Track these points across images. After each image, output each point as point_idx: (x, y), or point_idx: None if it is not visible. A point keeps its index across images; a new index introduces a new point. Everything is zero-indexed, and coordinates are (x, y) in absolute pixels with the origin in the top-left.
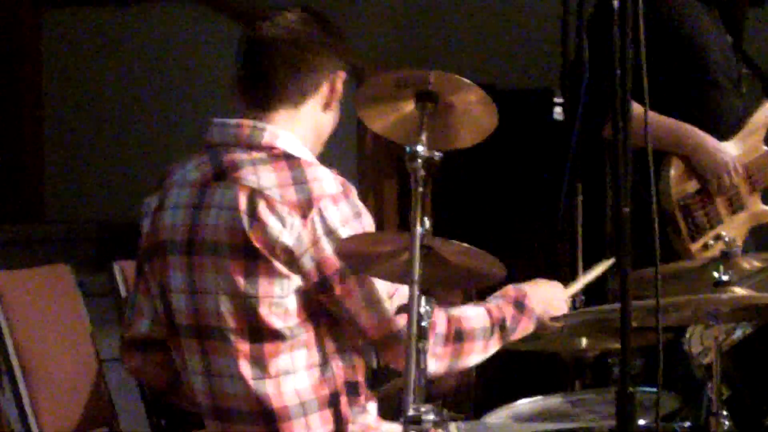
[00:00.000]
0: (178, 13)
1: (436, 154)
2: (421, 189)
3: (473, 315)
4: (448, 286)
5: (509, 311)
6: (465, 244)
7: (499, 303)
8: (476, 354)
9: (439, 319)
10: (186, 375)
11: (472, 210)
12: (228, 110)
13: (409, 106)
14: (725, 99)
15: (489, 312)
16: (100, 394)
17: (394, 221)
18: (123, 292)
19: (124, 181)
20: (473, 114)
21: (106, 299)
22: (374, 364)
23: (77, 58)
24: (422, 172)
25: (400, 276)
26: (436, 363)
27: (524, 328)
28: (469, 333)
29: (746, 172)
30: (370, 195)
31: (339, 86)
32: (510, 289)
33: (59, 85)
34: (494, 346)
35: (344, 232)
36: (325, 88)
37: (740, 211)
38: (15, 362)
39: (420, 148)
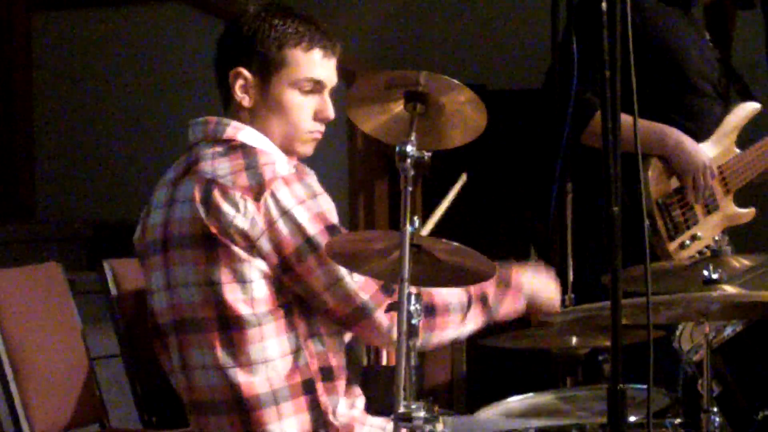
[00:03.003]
0: (168, 15)
1: (426, 153)
2: (410, 188)
3: (447, 290)
4: (438, 284)
5: (491, 287)
6: (455, 243)
7: None
8: (452, 328)
9: None
10: (171, 375)
11: (461, 209)
12: (218, 110)
13: (399, 107)
14: (705, 102)
15: (466, 287)
16: (90, 391)
17: (385, 220)
18: (113, 291)
19: (115, 181)
20: (463, 114)
21: (97, 297)
22: (364, 362)
23: (68, 60)
24: (412, 172)
25: (391, 274)
26: None
27: (511, 304)
28: (441, 306)
29: (720, 173)
30: (361, 194)
31: (243, 83)
32: None
33: (50, 87)
34: (475, 321)
35: (299, 212)
36: (234, 88)
37: (714, 212)
38: (5, 360)
39: (410, 148)
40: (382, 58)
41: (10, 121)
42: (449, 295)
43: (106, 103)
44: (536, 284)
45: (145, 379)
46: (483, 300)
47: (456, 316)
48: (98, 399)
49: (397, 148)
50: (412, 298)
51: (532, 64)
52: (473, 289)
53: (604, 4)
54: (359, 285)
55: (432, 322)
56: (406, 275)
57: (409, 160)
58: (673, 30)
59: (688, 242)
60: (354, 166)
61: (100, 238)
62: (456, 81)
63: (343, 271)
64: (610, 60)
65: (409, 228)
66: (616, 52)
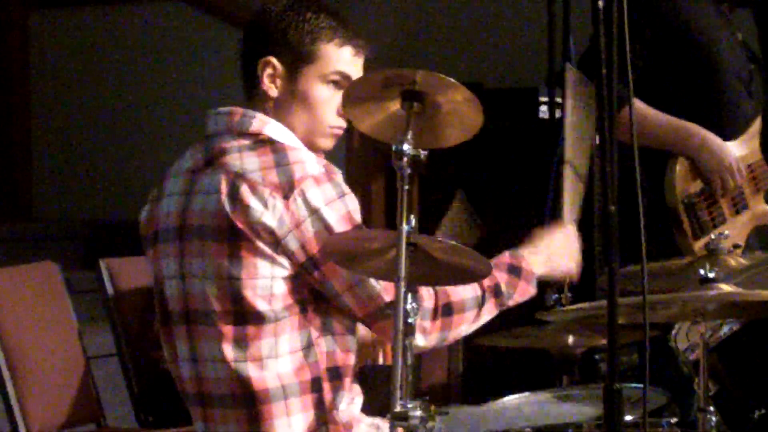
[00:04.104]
0: (165, 13)
1: (423, 152)
2: (407, 187)
3: (462, 286)
4: (435, 283)
5: (503, 277)
6: (451, 242)
7: (492, 269)
8: (467, 324)
9: (425, 292)
10: (174, 364)
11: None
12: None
13: (396, 106)
14: (735, 99)
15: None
16: (87, 390)
17: (382, 219)
18: (110, 290)
19: (112, 180)
20: (459, 113)
21: (94, 296)
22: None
23: (65, 58)
24: (408, 171)
25: (387, 273)
26: (424, 338)
27: (523, 291)
28: (458, 304)
29: (751, 172)
30: (358, 193)
31: (271, 72)
32: (505, 255)
33: (47, 85)
34: (489, 313)
35: (328, 212)
36: (263, 77)
37: (743, 212)
38: (2, 359)
39: (406, 147)
40: (379, 57)
41: (8, 119)
42: (464, 292)
43: (103, 102)
44: (549, 262)
45: (142, 378)
46: (496, 292)
47: (472, 312)
48: (94, 398)
49: (394, 147)
50: (409, 296)
51: (529, 63)
52: (486, 281)
53: (600, 3)
54: (383, 287)
55: (449, 320)
56: (403, 274)
57: (405, 159)
58: (705, 23)
59: None
60: (350, 164)
61: (97, 237)
62: (452, 79)
63: None
64: (607, 58)
65: (405, 227)
66: (613, 51)
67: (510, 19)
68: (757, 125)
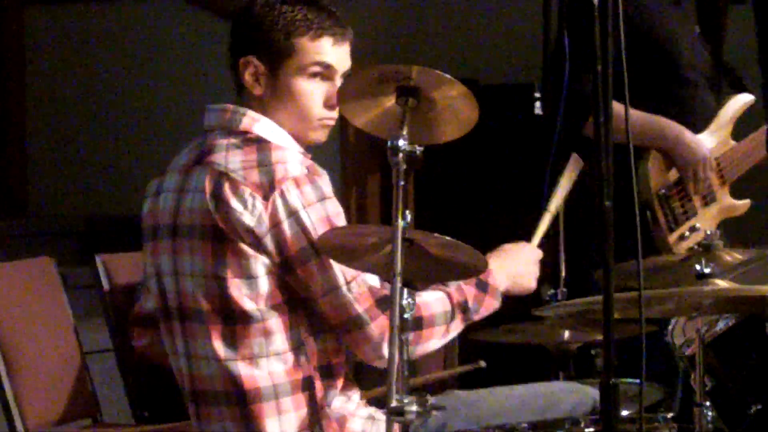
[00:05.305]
0: (160, 10)
1: (418, 148)
2: (402, 183)
3: (432, 300)
4: (431, 278)
5: (471, 292)
6: (447, 237)
7: (460, 284)
8: (436, 339)
9: None
10: (174, 358)
11: (453, 203)
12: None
13: (391, 101)
14: (697, 95)
15: (449, 296)
16: (83, 385)
17: (377, 215)
18: (106, 285)
19: (108, 175)
20: (455, 109)
21: (89, 292)
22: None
23: (60, 54)
24: (404, 166)
25: (383, 268)
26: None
27: (488, 306)
28: (428, 319)
29: (717, 165)
30: (353, 189)
31: (253, 71)
32: None
33: (42, 81)
34: (456, 329)
35: (305, 215)
36: (245, 76)
37: (712, 204)
38: None
39: (401, 143)
40: (374, 53)
41: (3, 115)
42: (435, 307)
43: (98, 98)
44: (513, 278)
45: (138, 374)
46: (464, 309)
47: (441, 327)
48: (90, 393)
49: (389, 143)
50: (405, 292)
51: (524, 59)
52: (455, 295)
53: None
54: (355, 295)
55: (419, 334)
56: (399, 269)
57: (401, 155)
58: (665, 21)
59: (687, 233)
60: (346, 161)
61: (93, 233)
62: (448, 75)
63: (341, 279)
64: (602, 54)
65: (401, 222)
66: (608, 47)
67: (505, 15)
68: (722, 118)
